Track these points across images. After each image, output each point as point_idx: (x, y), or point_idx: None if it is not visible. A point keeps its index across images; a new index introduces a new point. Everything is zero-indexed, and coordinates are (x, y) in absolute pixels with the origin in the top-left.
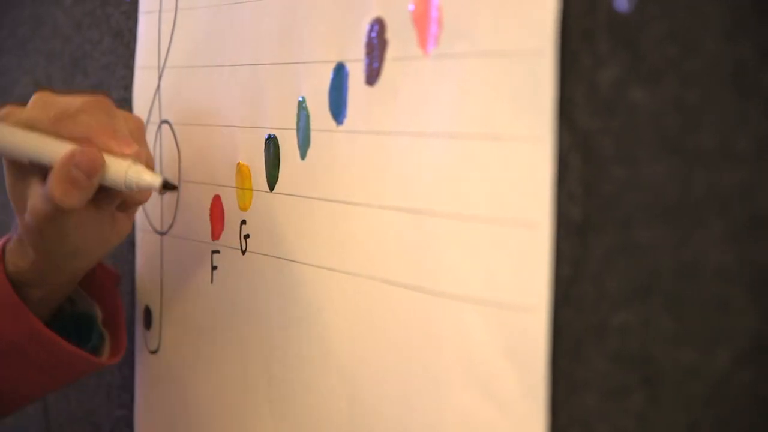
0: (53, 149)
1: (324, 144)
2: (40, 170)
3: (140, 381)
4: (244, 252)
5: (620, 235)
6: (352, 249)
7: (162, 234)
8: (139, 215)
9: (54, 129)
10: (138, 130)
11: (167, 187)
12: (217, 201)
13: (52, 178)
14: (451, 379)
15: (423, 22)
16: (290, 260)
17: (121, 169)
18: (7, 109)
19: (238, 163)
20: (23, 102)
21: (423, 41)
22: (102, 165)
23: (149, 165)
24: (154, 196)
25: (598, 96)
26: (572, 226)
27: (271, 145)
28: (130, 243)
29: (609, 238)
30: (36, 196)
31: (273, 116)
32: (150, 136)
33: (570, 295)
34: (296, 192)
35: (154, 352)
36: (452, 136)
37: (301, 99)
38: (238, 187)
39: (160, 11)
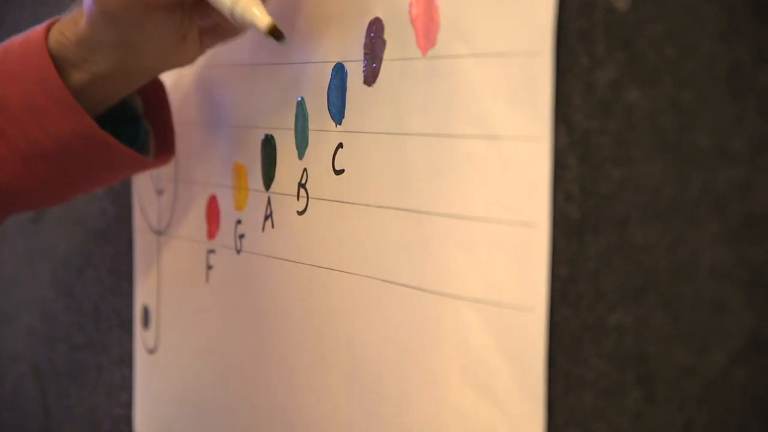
0: None
1: (322, 144)
2: None
3: (139, 380)
4: (239, 251)
5: (616, 235)
6: (350, 248)
7: (159, 233)
8: (137, 215)
9: None
10: None
11: (274, 33)
12: (213, 201)
13: None
14: (449, 377)
15: (421, 22)
16: (285, 260)
17: None
18: None
19: (235, 163)
20: None
21: (421, 42)
22: None
23: None
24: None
25: (595, 96)
26: (569, 226)
27: (268, 145)
28: (128, 242)
29: (605, 238)
30: None
31: (271, 116)
32: None
33: (567, 294)
34: (293, 192)
35: (151, 352)
36: (450, 136)
37: (299, 99)
38: (234, 187)
39: None
